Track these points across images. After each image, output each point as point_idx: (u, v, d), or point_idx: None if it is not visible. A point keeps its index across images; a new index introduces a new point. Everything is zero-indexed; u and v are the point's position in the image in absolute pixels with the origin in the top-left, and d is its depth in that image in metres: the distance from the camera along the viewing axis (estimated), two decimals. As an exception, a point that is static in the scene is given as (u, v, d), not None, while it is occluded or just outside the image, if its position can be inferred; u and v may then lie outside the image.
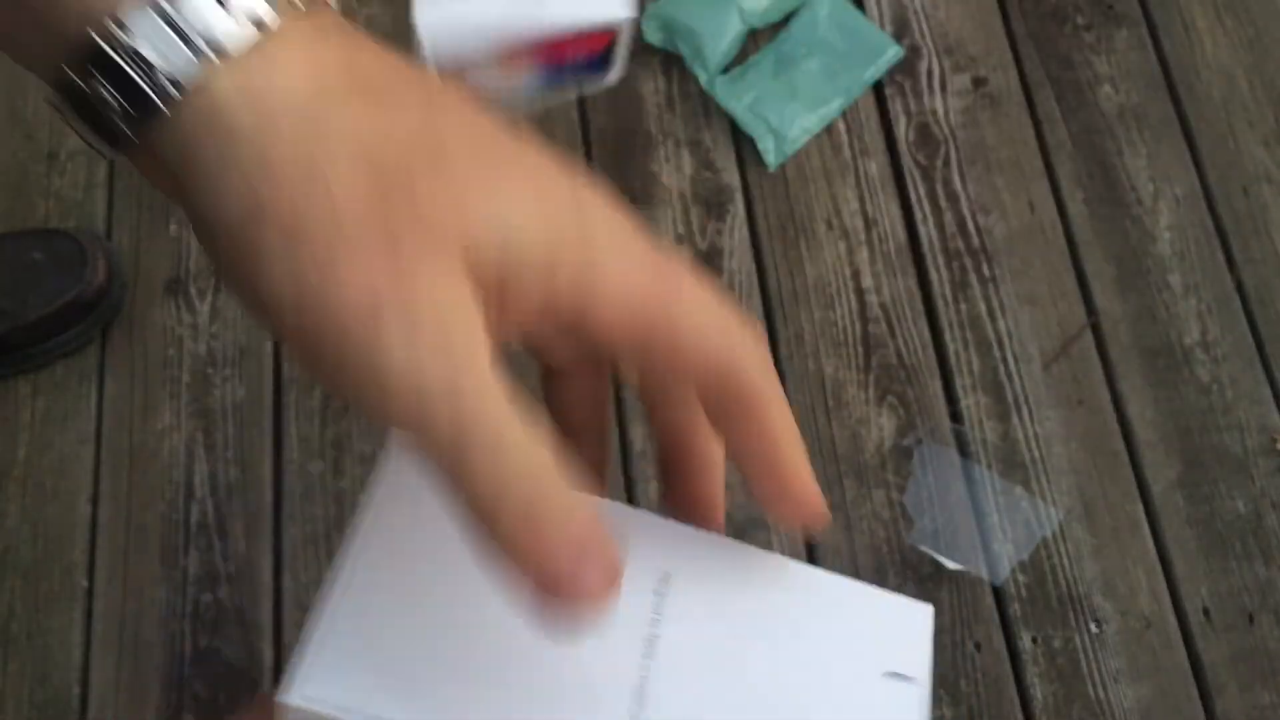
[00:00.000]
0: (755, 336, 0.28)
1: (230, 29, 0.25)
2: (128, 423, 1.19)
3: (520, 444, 0.25)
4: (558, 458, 0.25)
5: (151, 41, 0.25)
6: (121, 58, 0.25)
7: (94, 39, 0.25)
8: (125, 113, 0.25)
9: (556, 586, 0.24)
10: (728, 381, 0.28)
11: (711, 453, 0.31)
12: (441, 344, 0.24)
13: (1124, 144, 1.37)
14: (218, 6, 0.25)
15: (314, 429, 1.19)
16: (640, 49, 1.38)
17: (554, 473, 0.25)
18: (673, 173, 1.32)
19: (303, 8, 0.26)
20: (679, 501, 0.32)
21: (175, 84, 0.25)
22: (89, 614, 1.13)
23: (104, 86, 0.25)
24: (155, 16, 0.25)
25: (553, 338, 0.29)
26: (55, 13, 0.25)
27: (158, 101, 0.25)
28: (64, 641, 1.12)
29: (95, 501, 1.17)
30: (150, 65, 0.25)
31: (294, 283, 0.24)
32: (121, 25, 0.25)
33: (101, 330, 1.22)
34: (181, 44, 0.25)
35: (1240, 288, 1.30)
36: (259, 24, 0.25)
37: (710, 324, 0.27)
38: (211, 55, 0.25)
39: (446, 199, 0.25)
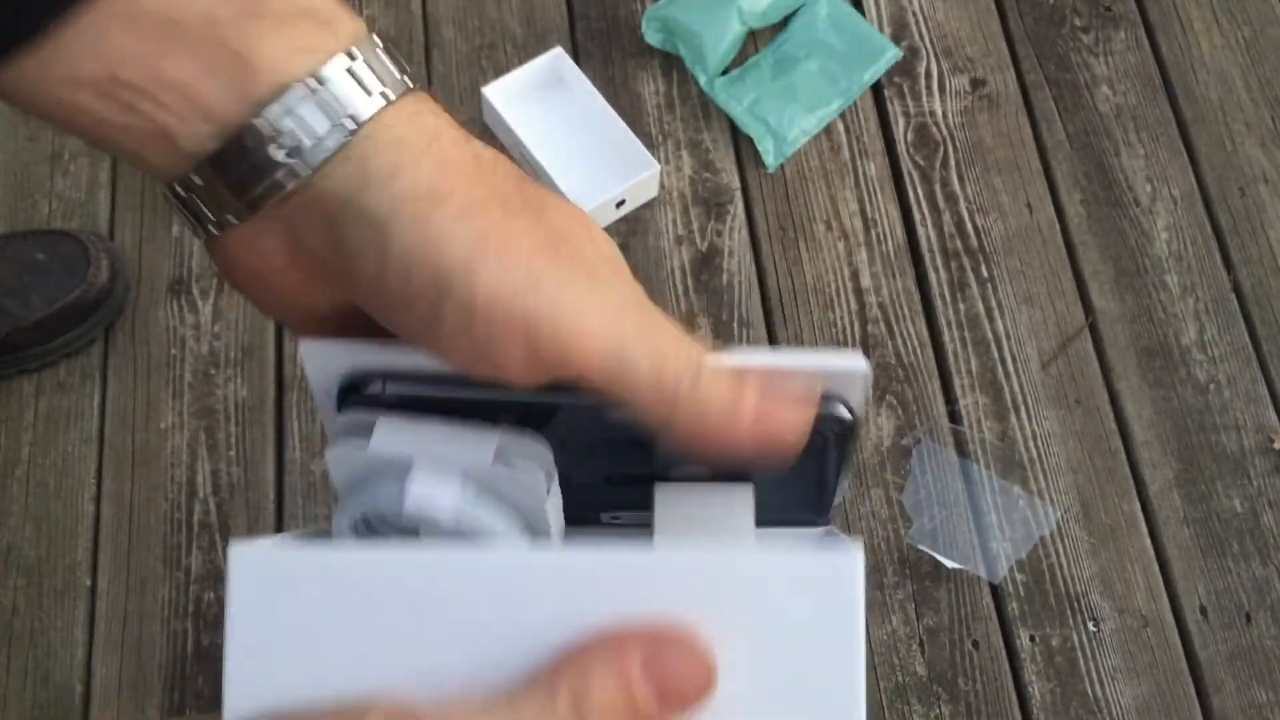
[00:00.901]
0: None
1: (384, 85, 0.31)
2: (130, 422, 1.20)
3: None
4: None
5: (327, 97, 0.31)
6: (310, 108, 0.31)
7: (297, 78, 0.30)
8: (285, 166, 0.30)
9: None
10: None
11: None
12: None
13: (1121, 145, 1.37)
14: (368, 74, 0.31)
15: (316, 428, 1.20)
16: (640, 50, 1.38)
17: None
18: (673, 173, 1.33)
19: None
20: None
21: (354, 121, 0.31)
22: (92, 612, 1.13)
23: (276, 144, 0.30)
24: (341, 74, 0.31)
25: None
26: (228, 87, 0.30)
27: (332, 143, 0.31)
28: (67, 640, 1.12)
29: (98, 500, 1.17)
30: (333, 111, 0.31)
31: (473, 249, 0.30)
32: (317, 77, 0.31)
33: (104, 330, 1.23)
34: (357, 95, 0.31)
35: (1237, 288, 1.31)
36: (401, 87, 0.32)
37: None
38: (384, 100, 0.31)
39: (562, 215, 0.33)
